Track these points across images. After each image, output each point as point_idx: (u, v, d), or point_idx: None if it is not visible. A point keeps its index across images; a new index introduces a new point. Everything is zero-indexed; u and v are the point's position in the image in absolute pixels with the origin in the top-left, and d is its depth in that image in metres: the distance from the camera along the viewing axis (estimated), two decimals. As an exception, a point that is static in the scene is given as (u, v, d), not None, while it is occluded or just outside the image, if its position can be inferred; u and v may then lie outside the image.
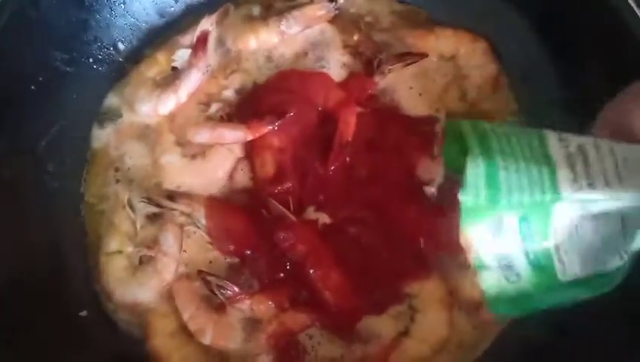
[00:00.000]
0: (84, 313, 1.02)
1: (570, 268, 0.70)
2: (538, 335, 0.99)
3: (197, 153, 1.10)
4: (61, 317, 1.00)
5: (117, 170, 1.12)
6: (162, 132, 1.13)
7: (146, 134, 1.14)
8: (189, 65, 1.14)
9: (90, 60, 1.15)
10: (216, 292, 1.00)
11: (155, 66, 1.17)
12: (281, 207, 1.03)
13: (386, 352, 0.99)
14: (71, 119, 1.12)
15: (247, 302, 0.99)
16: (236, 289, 1.00)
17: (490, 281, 0.74)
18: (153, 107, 1.13)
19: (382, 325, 1.01)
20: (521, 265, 0.71)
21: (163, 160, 1.10)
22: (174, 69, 1.17)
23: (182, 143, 1.11)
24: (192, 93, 1.13)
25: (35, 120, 1.06)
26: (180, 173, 1.09)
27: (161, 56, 1.17)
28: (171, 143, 1.11)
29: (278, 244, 1.01)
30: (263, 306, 1.00)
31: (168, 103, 1.12)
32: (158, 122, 1.14)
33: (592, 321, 0.94)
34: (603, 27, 1.01)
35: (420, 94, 1.15)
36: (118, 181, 1.12)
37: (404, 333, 1.00)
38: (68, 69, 1.11)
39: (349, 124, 1.07)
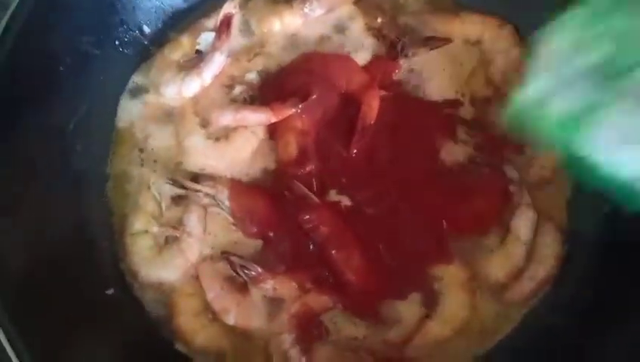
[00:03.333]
0: (110, 291, 1.04)
1: None
2: (557, 321, 0.99)
3: (221, 135, 1.11)
4: (88, 295, 1.01)
5: (141, 150, 1.14)
6: (186, 114, 1.14)
7: (170, 116, 1.15)
8: (213, 48, 1.15)
9: (117, 43, 1.16)
10: (240, 273, 1.01)
11: (179, 49, 1.18)
12: (304, 188, 1.04)
13: (410, 334, 1.00)
14: (98, 100, 1.13)
15: (271, 282, 1.01)
16: (259, 269, 1.01)
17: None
18: (178, 89, 1.14)
19: (405, 308, 1.02)
20: None
21: (187, 142, 1.11)
22: (198, 52, 1.18)
23: (205, 125, 1.12)
24: (216, 75, 1.14)
25: (64, 101, 1.08)
26: (204, 155, 1.10)
27: (185, 40, 1.18)
28: (195, 125, 1.12)
29: (301, 226, 1.02)
30: (285, 287, 1.01)
31: (192, 86, 1.14)
32: (182, 105, 1.15)
33: (609, 309, 0.95)
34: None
35: (448, 78, 1.15)
36: (142, 162, 1.13)
37: (427, 316, 1.01)
38: (95, 51, 1.13)
39: (371, 107, 1.08)
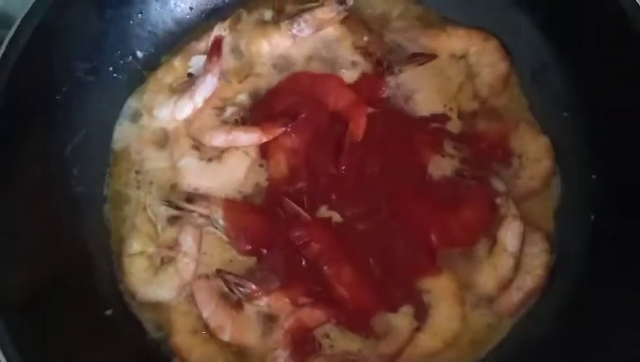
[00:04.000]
0: (109, 312, 1.06)
1: None
2: (546, 331, 1.01)
3: (213, 156, 1.13)
4: (88, 316, 1.04)
5: (137, 172, 1.16)
6: (179, 137, 1.16)
7: (164, 139, 1.17)
8: (205, 70, 1.17)
9: (111, 69, 1.19)
10: (235, 290, 1.03)
11: (171, 73, 1.20)
12: (295, 205, 1.06)
13: (401, 347, 1.02)
14: (94, 125, 1.15)
15: (265, 299, 1.03)
16: (253, 287, 1.03)
17: None
18: (171, 112, 1.16)
19: (397, 321, 1.04)
20: None
21: (181, 163, 1.14)
22: (190, 75, 1.20)
23: (198, 147, 1.14)
24: (207, 97, 1.16)
25: (61, 127, 1.10)
26: (198, 175, 1.13)
27: (177, 63, 1.20)
28: (188, 147, 1.14)
29: (293, 242, 1.05)
30: (279, 303, 1.03)
31: (185, 108, 1.16)
32: (175, 127, 1.17)
33: (600, 316, 0.97)
34: (611, 27, 1.03)
35: (436, 93, 1.17)
36: (138, 184, 1.15)
37: (418, 328, 1.03)
38: (90, 77, 1.15)
39: (359, 124, 1.10)
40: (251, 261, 1.08)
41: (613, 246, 1.02)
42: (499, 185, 1.09)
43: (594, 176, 1.07)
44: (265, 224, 1.08)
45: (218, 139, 1.13)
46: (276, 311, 1.04)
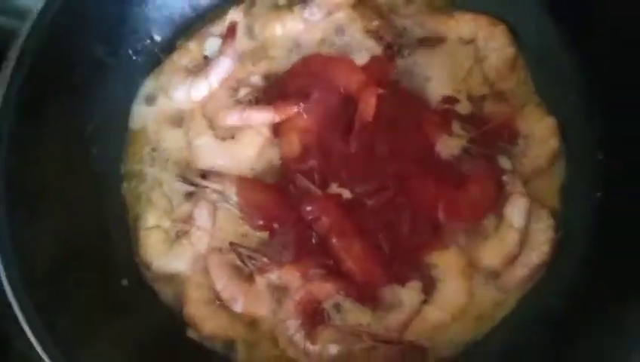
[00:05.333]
0: (125, 282, 1.09)
1: None
2: (552, 306, 1.03)
3: (227, 135, 1.17)
4: (105, 286, 1.07)
5: (154, 150, 1.20)
6: (195, 116, 1.19)
7: (180, 119, 1.21)
8: (220, 53, 1.20)
9: (130, 52, 1.22)
10: (247, 263, 1.07)
11: (187, 55, 1.24)
12: (306, 181, 1.09)
13: (408, 319, 1.04)
14: (112, 106, 1.19)
15: (276, 271, 1.06)
16: (265, 260, 1.06)
17: None
18: (186, 93, 1.20)
19: (405, 294, 1.06)
20: None
21: (196, 142, 1.17)
22: (206, 57, 1.24)
23: (213, 127, 1.18)
24: (223, 79, 1.20)
25: (81, 108, 1.14)
26: (212, 154, 1.16)
27: (193, 46, 1.24)
28: (204, 127, 1.18)
29: (304, 217, 1.08)
30: (290, 276, 1.06)
31: (201, 89, 1.19)
32: (191, 107, 1.21)
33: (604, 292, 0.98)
34: (620, 10, 1.05)
35: (446, 77, 1.20)
36: (154, 161, 1.19)
37: (425, 301, 1.05)
38: (109, 60, 1.19)
39: (369, 104, 1.13)
40: (264, 235, 1.11)
41: (618, 224, 1.03)
42: (505, 163, 1.12)
43: (600, 157, 1.09)
44: (277, 200, 1.11)
45: (232, 118, 1.16)
46: (287, 283, 1.07)
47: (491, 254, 1.07)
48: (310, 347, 1.01)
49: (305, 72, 1.19)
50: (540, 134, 1.14)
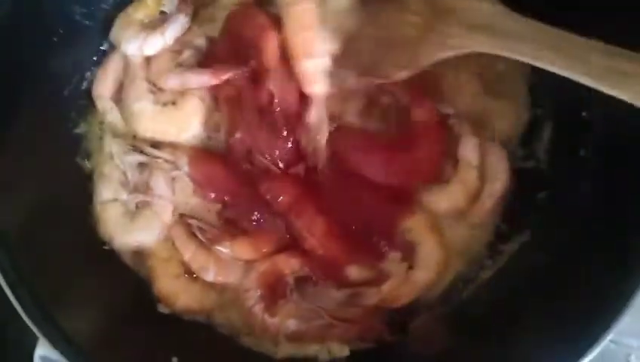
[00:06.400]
0: (107, 247, 1.10)
1: None
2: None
3: (168, 101, 1.12)
4: (86, 249, 1.09)
5: (101, 122, 1.17)
6: (134, 80, 1.14)
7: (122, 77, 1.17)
8: (177, 10, 1.16)
9: (107, 15, 1.19)
10: (198, 234, 1.07)
11: (143, 9, 1.18)
12: (264, 160, 1.07)
13: (398, 288, 1.05)
14: (89, 69, 1.18)
15: (227, 244, 1.06)
16: (216, 231, 1.07)
17: None
18: (139, 47, 1.15)
19: (388, 267, 1.07)
20: None
21: (135, 107, 1.13)
22: (162, 13, 1.18)
23: (154, 91, 1.13)
24: (177, 37, 1.15)
25: (58, 69, 1.12)
26: (153, 119, 1.12)
27: (150, 1, 1.18)
28: (143, 90, 1.13)
29: (262, 195, 1.06)
30: (242, 249, 1.06)
31: (155, 45, 1.14)
32: (133, 66, 1.16)
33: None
34: None
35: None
36: (103, 131, 1.16)
37: (410, 267, 1.06)
38: (87, 22, 1.16)
39: (268, 50, 1.05)
40: (217, 207, 1.10)
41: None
42: (446, 108, 1.10)
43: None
44: (229, 173, 1.09)
45: (172, 80, 1.12)
46: (239, 256, 1.07)
47: (455, 197, 1.08)
48: (268, 319, 1.03)
49: (232, 34, 1.12)
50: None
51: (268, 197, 1.06)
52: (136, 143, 1.12)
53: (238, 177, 1.08)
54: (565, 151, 1.08)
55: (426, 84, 1.07)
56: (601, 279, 0.90)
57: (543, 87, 1.12)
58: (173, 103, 1.12)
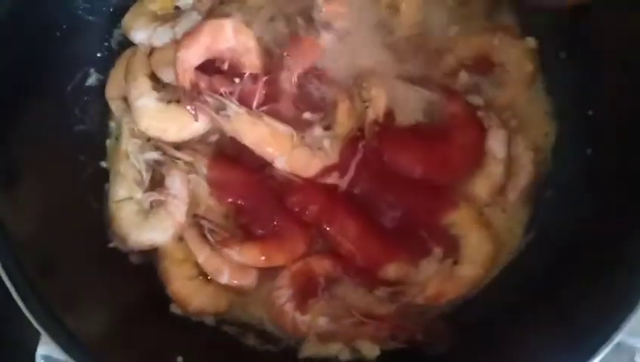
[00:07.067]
0: (112, 245, 1.09)
1: None
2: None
3: (172, 99, 1.10)
4: (92, 247, 1.08)
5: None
6: (138, 75, 1.12)
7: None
8: (192, 7, 1.15)
9: (111, 10, 1.18)
10: (208, 236, 1.06)
11: (160, 1, 1.18)
12: (286, 173, 1.06)
13: (442, 287, 1.04)
14: (93, 66, 1.17)
15: (236, 248, 1.05)
16: (226, 235, 1.06)
17: None
18: (148, 37, 1.14)
19: (429, 266, 1.06)
20: None
21: (137, 103, 1.11)
22: (177, 8, 1.17)
23: (158, 89, 1.11)
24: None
25: (61, 65, 1.11)
26: (154, 118, 1.10)
27: None
28: (146, 87, 1.11)
29: (291, 209, 1.05)
30: (251, 254, 1.05)
31: (164, 37, 1.13)
32: (136, 61, 1.14)
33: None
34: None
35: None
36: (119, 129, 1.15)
37: (455, 263, 1.06)
38: (90, 18, 1.15)
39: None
40: (231, 212, 1.10)
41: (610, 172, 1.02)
42: (476, 100, 1.10)
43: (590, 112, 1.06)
44: (248, 180, 1.08)
45: (170, 73, 1.09)
46: (247, 261, 1.06)
47: (480, 188, 1.08)
48: (299, 317, 1.03)
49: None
50: (515, 59, 1.11)
51: (296, 209, 1.05)
52: (157, 143, 1.10)
53: (257, 185, 1.08)
54: (571, 151, 1.09)
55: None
56: (610, 279, 0.91)
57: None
58: (178, 102, 1.10)
